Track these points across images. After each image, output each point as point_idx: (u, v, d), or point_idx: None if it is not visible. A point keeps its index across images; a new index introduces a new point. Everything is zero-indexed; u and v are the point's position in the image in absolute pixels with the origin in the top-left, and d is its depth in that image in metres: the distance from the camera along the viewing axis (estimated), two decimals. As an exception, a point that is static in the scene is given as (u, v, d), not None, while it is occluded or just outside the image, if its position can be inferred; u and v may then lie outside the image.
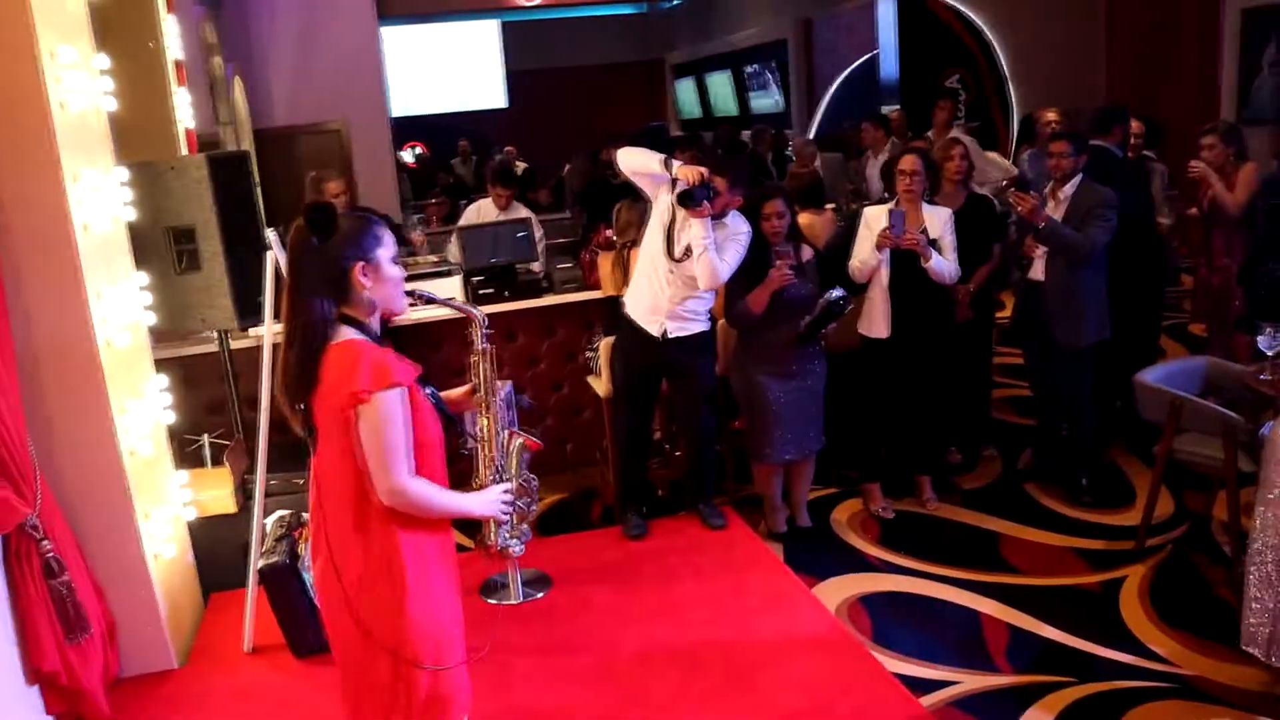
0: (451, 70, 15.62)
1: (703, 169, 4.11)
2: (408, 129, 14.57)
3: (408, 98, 14.25)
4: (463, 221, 6.52)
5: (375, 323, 2.23)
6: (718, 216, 4.24)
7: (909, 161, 4.57)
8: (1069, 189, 4.69)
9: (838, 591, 4.17)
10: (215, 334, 4.51)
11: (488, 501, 2.34)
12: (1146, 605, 3.92)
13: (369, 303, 2.19)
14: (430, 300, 2.41)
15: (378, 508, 2.14)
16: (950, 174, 4.94)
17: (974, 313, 4.96)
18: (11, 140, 3.28)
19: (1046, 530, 4.59)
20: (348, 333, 2.16)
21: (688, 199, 4.09)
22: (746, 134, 10.77)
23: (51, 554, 3.24)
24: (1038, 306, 4.78)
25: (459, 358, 5.00)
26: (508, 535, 2.40)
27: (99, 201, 3.60)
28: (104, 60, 3.78)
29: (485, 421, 2.41)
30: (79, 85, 3.53)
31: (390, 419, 2.09)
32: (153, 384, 4.01)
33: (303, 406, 2.19)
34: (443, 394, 2.42)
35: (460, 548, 4.72)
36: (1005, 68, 10.61)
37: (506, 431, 2.45)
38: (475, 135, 14.43)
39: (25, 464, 3.16)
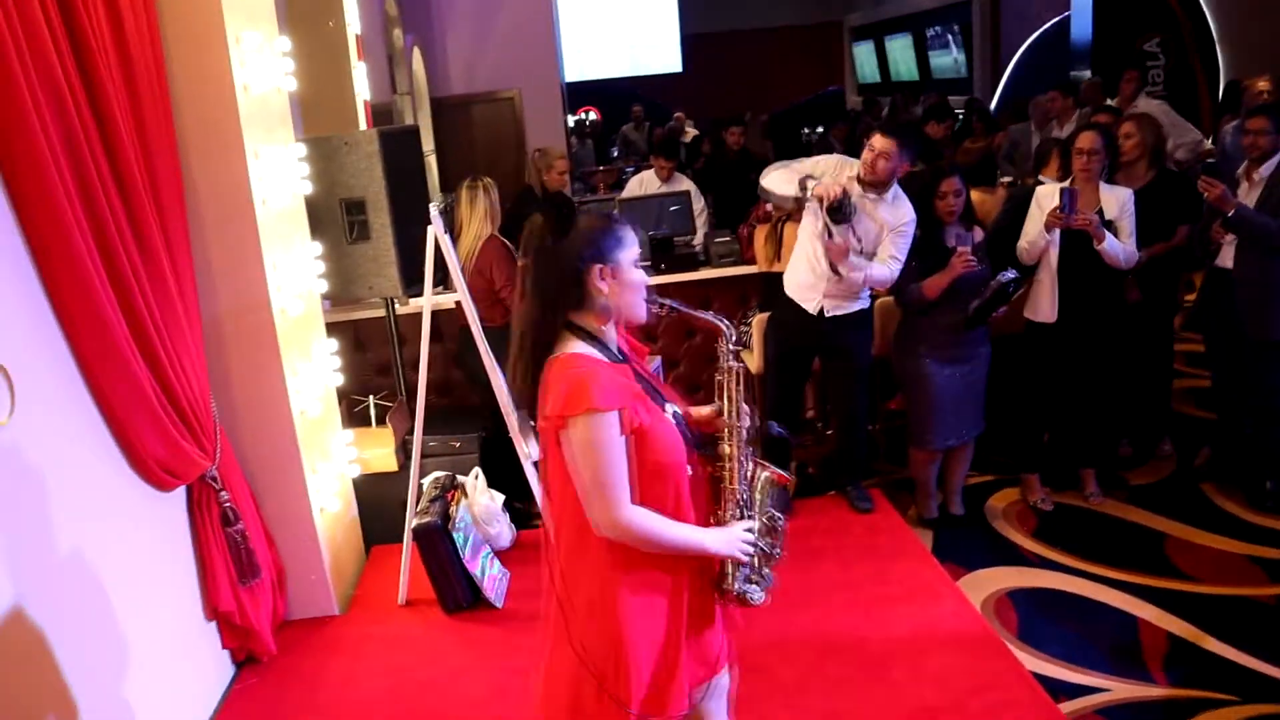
0: (627, 33, 15.66)
1: (841, 185, 4.07)
2: (582, 94, 14.76)
3: (582, 62, 14.41)
4: (626, 193, 6.59)
5: (611, 333, 2.05)
6: (883, 185, 4.16)
7: (1087, 139, 4.31)
8: (1266, 169, 4.32)
9: (986, 584, 4.05)
10: (383, 300, 4.73)
11: (727, 539, 2.06)
12: (1327, 624, 3.64)
13: (604, 309, 2.01)
14: (676, 309, 2.17)
15: (599, 540, 1.97)
16: (1125, 154, 4.64)
17: (1144, 294, 4.66)
18: (201, 122, 3.52)
19: (1220, 535, 4.31)
20: (573, 345, 2.00)
21: (838, 214, 4.05)
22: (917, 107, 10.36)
23: (229, 504, 3.51)
24: (1225, 295, 4.46)
25: None
26: (746, 579, 2.12)
27: (278, 177, 3.83)
28: (285, 43, 4.00)
29: (729, 449, 2.13)
30: (262, 68, 3.74)
31: (592, 446, 1.90)
32: (323, 348, 4.25)
33: (532, 422, 2.06)
34: (689, 410, 2.20)
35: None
36: (1213, 29, 9.82)
37: (752, 462, 2.17)
38: (649, 100, 14.47)
39: (207, 421, 3.42)
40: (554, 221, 2.01)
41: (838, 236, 4.11)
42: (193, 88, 3.50)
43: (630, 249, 2.03)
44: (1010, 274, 4.04)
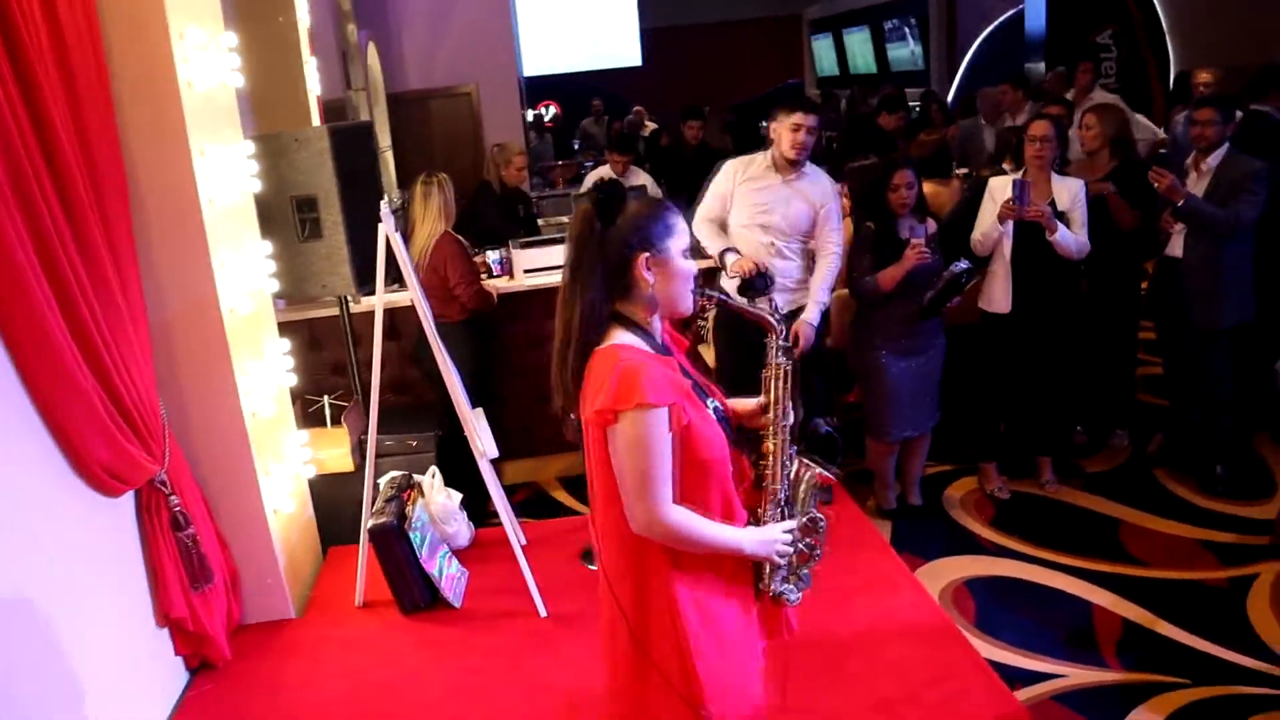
0: (586, 27, 15.61)
1: (755, 260, 4.18)
2: (542, 88, 14.69)
3: (542, 56, 14.33)
4: (583, 187, 6.56)
5: (656, 324, 1.98)
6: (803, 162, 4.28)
7: (1039, 127, 4.36)
8: (1214, 160, 4.39)
9: (944, 574, 4.08)
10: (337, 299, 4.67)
11: (765, 540, 1.99)
12: (1278, 606, 3.69)
13: (651, 300, 1.93)
14: (725, 302, 2.14)
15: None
16: (1086, 146, 4.69)
17: (1103, 284, 4.70)
18: (144, 120, 3.45)
19: (1174, 520, 4.38)
20: (618, 335, 1.92)
21: (749, 290, 4.12)
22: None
23: (179, 508, 3.45)
24: (1175, 284, 4.52)
25: (538, 328, 5.16)
26: (783, 580, 2.07)
27: (225, 175, 3.76)
28: (231, 38, 3.93)
29: (772, 446, 2.08)
30: (207, 64, 3.68)
31: (639, 444, 1.83)
32: (275, 348, 4.19)
33: (573, 416, 1.99)
34: (731, 404, 2.13)
35: (568, 510, 4.87)
36: (1164, 21, 9.94)
37: (796, 461, 2.11)
38: (609, 94, 14.43)
39: (155, 424, 3.36)
40: (602, 207, 1.91)
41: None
42: (135, 85, 3.42)
43: (680, 237, 1.95)
44: (963, 264, 4.07)
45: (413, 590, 3.88)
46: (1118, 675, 3.37)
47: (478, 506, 4.58)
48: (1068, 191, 4.33)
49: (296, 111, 5.46)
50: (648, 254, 1.90)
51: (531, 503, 5.11)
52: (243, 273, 3.87)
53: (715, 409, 2.02)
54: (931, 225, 4.31)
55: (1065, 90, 7.73)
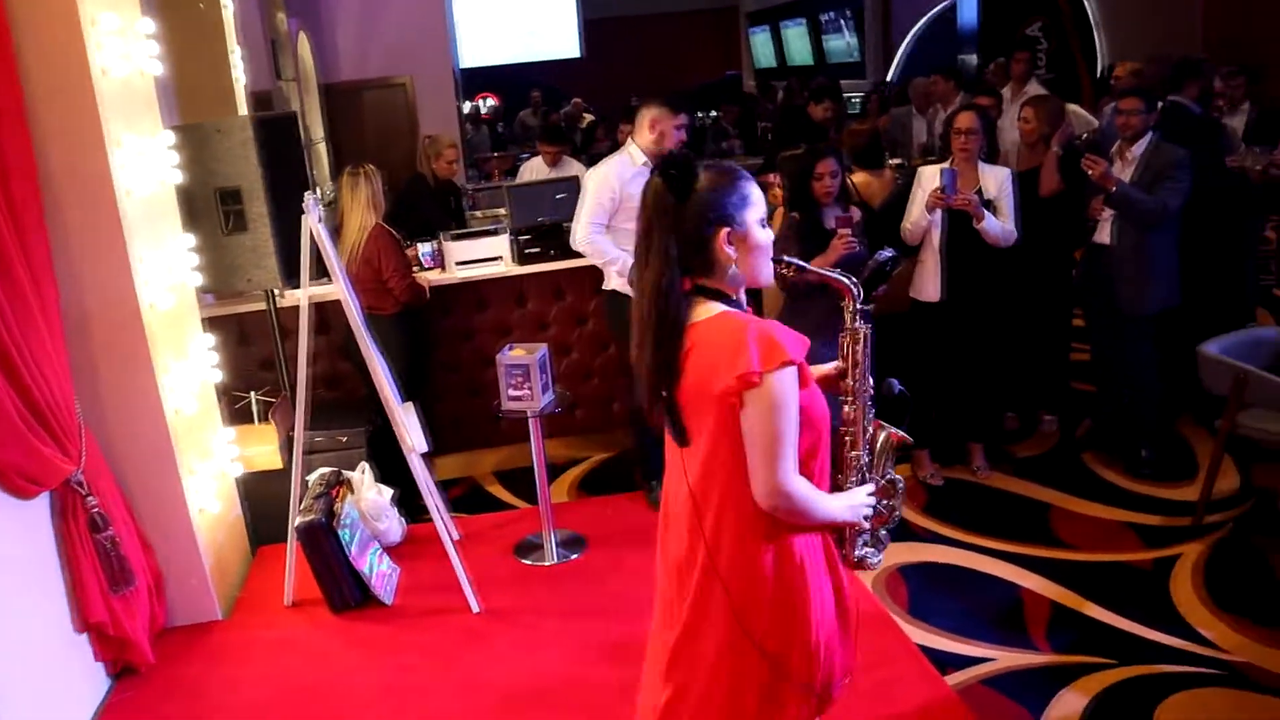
0: (525, 19, 15.49)
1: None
2: (481, 80, 14.56)
3: (480, 48, 14.19)
4: (518, 179, 6.51)
5: (743, 298, 1.92)
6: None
7: (964, 119, 4.40)
8: (1139, 148, 4.47)
9: (877, 562, 4.09)
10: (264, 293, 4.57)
11: (852, 506, 1.97)
12: (1199, 586, 3.77)
13: (733, 276, 1.87)
14: (803, 269, 2.09)
15: (757, 514, 1.84)
16: (1023, 135, 4.76)
17: (1035, 271, 4.77)
18: (56, 109, 3.34)
19: (1101, 503, 4.45)
20: (716, 306, 1.86)
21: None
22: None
23: (96, 509, 3.35)
24: (1103, 270, 4.59)
25: (470, 321, 5.12)
26: (863, 544, 2.06)
27: (143, 166, 3.65)
28: (149, 24, 3.82)
29: (853, 412, 2.06)
30: (123, 51, 3.57)
31: (783, 405, 1.76)
32: (199, 343, 4.09)
33: (665, 394, 1.89)
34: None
35: (503, 505, 4.83)
36: (1091, 14, 10.12)
37: (873, 424, 2.10)
38: (549, 86, 14.34)
39: (70, 423, 3.26)
40: (673, 181, 1.83)
41: None
42: (46, 73, 3.31)
43: (756, 206, 1.89)
44: (887, 252, 4.07)
45: (342, 588, 3.82)
46: (1046, 657, 3.42)
47: (411, 502, 4.52)
48: (995, 180, 4.38)
49: (223, 102, 5.33)
50: (728, 228, 1.84)
51: (467, 497, 5.06)
52: (163, 267, 3.77)
53: None
54: (857, 214, 4.33)
55: (1005, 81, 7.85)
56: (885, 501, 2.09)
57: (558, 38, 15.80)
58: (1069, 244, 4.96)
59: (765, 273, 1.92)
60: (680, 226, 1.83)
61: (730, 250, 1.85)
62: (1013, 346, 4.75)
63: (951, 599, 3.81)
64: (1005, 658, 3.43)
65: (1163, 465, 4.68)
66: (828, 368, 2.12)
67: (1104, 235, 4.57)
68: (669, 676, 1.98)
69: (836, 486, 2.04)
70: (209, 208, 4.18)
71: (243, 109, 5.45)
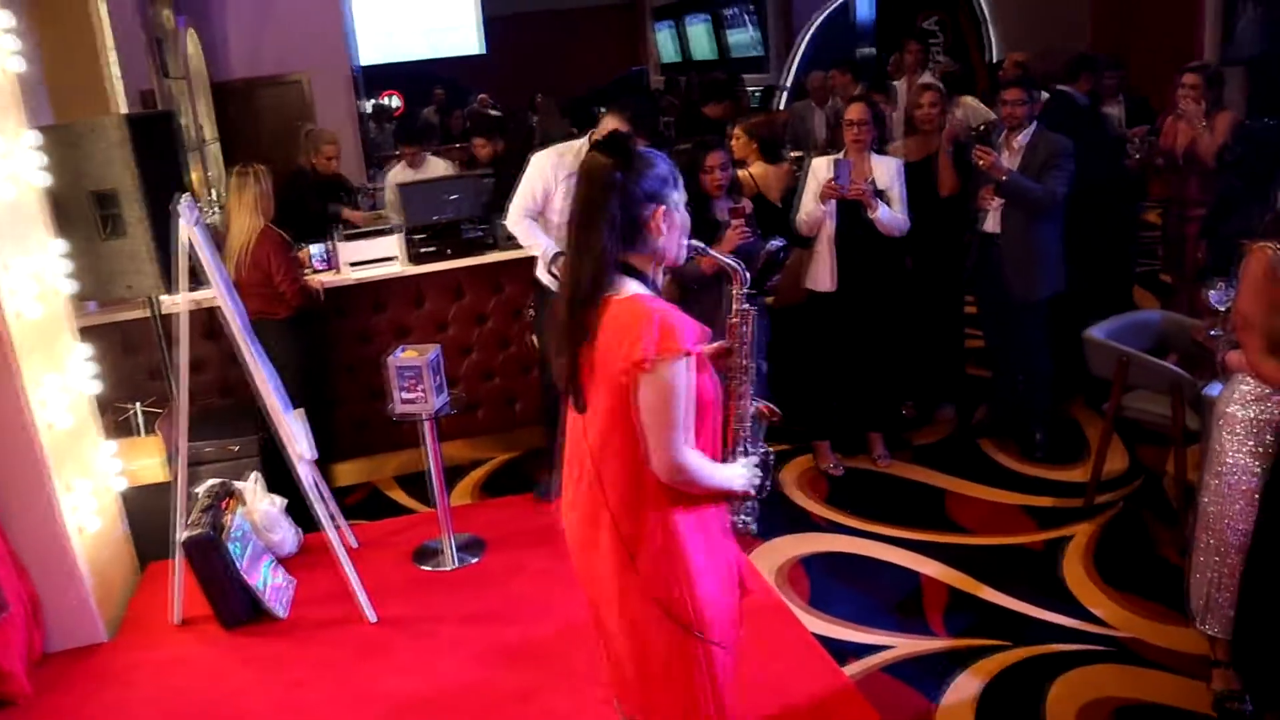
0: (425, 15, 15.28)
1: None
2: (383, 78, 14.31)
3: (380, 45, 13.95)
4: (386, 185, 6.42)
5: (658, 274, 2.03)
6: None
7: (855, 110, 4.44)
8: (1023, 138, 4.56)
9: (779, 553, 4.11)
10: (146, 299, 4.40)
11: (746, 476, 2.12)
12: (1089, 565, 3.86)
13: (655, 251, 1.99)
14: (703, 252, 2.19)
15: (655, 481, 1.96)
16: (919, 122, 4.82)
17: (926, 261, 4.85)
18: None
19: (996, 488, 4.53)
20: (631, 285, 1.96)
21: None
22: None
23: (-38, 532, 3.18)
24: (993, 259, 4.68)
25: (403, 319, 5.02)
26: (744, 511, 2.24)
27: (4, 167, 3.48)
28: (8, 18, 3.63)
29: (739, 388, 2.19)
30: (-24, 47, 3.39)
31: (674, 391, 1.88)
32: (75, 354, 3.91)
33: (568, 358, 1.99)
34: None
35: (405, 510, 4.73)
36: (984, 9, 10.36)
37: (755, 402, 2.23)
38: (454, 83, 14.16)
39: (-71, 442, 3.09)
40: (619, 154, 1.92)
41: None
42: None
43: (681, 189, 2.01)
44: (778, 241, 4.12)
45: (232, 603, 3.69)
46: (943, 642, 3.46)
47: (308, 511, 4.40)
48: (886, 170, 4.43)
49: (99, 101, 5.12)
50: (664, 207, 1.95)
51: (368, 503, 4.94)
52: (30, 274, 3.59)
53: None
54: (749, 205, 4.34)
55: (903, 75, 7.96)
56: (761, 472, 2.21)
57: (460, 34, 15.63)
58: (959, 233, 5.05)
59: (681, 251, 2.05)
60: (623, 201, 1.93)
61: (662, 226, 1.97)
62: (908, 335, 4.81)
63: (851, 588, 3.84)
64: (903, 644, 3.46)
65: (1055, 448, 4.79)
66: (715, 347, 2.23)
67: (992, 225, 4.65)
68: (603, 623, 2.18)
69: (725, 458, 2.16)
70: (83, 212, 4.00)
71: (124, 109, 5.24)
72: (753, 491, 2.15)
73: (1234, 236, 4.66)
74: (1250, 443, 2.87)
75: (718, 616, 2.05)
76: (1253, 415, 2.86)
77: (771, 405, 2.26)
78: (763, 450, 2.24)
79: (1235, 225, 4.72)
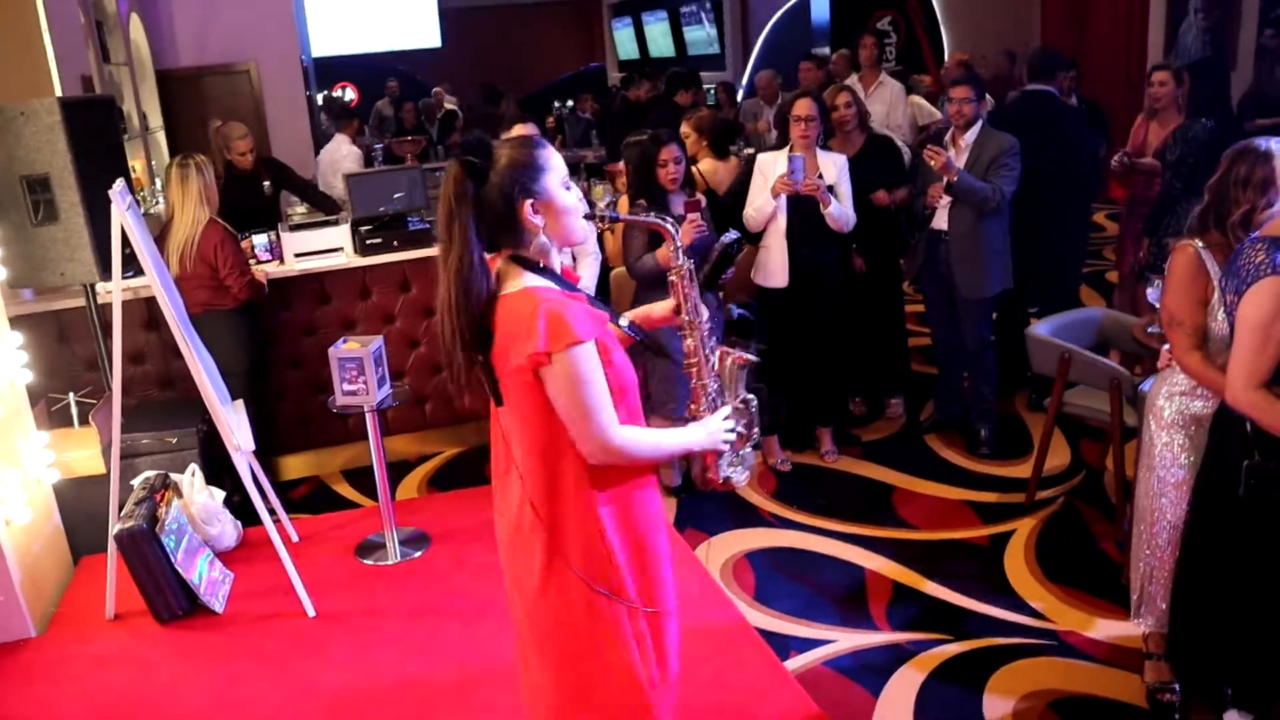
0: (381, 8, 15.12)
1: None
2: (338, 70, 14.14)
3: (334, 37, 13.79)
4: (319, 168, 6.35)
5: (557, 262, 1.99)
6: None
7: (803, 106, 4.44)
8: (971, 136, 4.59)
9: (725, 548, 4.11)
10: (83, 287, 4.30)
11: (709, 434, 2.09)
12: (1031, 559, 3.90)
13: (545, 242, 1.95)
14: (616, 219, 2.14)
15: (574, 467, 1.94)
16: (837, 122, 4.81)
17: (869, 258, 4.89)
18: None
19: (942, 483, 4.56)
20: (524, 279, 1.92)
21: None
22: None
23: (-118, 524, 3.09)
24: (940, 257, 4.71)
25: (349, 311, 4.96)
26: (728, 465, 2.17)
27: (-70, 150, 3.38)
28: (-66, -3, 3.53)
29: (691, 344, 2.14)
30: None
31: (580, 380, 1.85)
32: (4, 342, 3.81)
33: (481, 360, 1.94)
34: (641, 311, 2.24)
35: (350, 504, 4.66)
36: (937, 9, 10.45)
37: (717, 352, 2.19)
38: (409, 76, 14.02)
39: None
40: (473, 168, 1.88)
41: None
42: None
43: (555, 171, 1.95)
44: (732, 235, 4.10)
45: (167, 597, 3.62)
46: (885, 636, 3.48)
47: (250, 504, 4.32)
48: (834, 166, 4.44)
49: (35, 86, 4.98)
50: (531, 200, 1.91)
51: (313, 497, 4.87)
52: (-43, 260, 3.49)
53: (629, 325, 2.15)
54: (702, 199, 4.33)
55: (850, 72, 7.99)
56: (742, 421, 2.18)
57: (417, 27, 15.49)
58: (896, 228, 5.09)
59: (577, 232, 2.00)
60: (484, 207, 1.89)
61: (537, 220, 1.92)
62: (856, 331, 4.83)
63: (796, 583, 3.84)
64: (846, 639, 3.47)
65: (999, 443, 4.83)
66: (660, 307, 2.25)
67: (940, 222, 4.68)
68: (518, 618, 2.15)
69: (691, 416, 2.14)
70: (14, 197, 3.91)
71: (59, 92, 5.11)
72: (724, 449, 2.12)
73: (1170, 235, 4.78)
74: (1179, 436, 2.91)
75: (650, 584, 2.05)
76: (1181, 409, 2.90)
77: (745, 354, 2.21)
78: (742, 398, 2.20)
79: (1172, 224, 4.81)
